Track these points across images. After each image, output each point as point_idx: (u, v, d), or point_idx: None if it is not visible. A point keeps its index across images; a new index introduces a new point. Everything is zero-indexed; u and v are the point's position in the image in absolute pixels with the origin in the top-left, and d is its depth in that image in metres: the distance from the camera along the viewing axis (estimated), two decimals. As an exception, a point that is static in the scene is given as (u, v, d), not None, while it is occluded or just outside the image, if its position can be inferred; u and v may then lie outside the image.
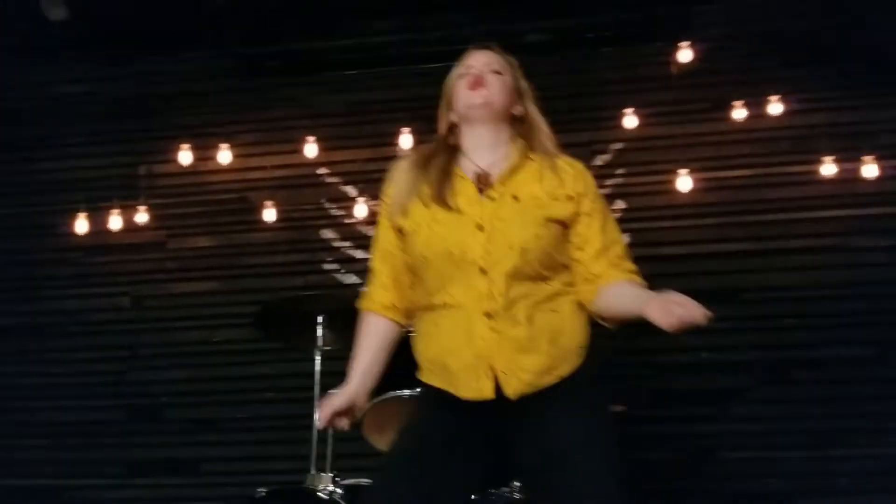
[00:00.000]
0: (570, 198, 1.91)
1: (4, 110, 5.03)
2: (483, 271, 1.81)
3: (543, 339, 1.82)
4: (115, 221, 4.63)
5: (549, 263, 1.87)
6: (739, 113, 4.38)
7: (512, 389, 1.79)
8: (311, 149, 4.62)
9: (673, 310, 1.63)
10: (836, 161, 4.29)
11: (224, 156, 4.65)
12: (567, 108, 4.58)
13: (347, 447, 3.29)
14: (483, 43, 2.06)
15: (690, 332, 1.66)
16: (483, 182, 1.90)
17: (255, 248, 4.74)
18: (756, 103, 4.39)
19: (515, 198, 1.88)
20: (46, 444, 4.66)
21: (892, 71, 4.45)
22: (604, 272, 1.91)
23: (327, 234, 4.69)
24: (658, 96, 4.56)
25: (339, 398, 1.87)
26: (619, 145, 4.58)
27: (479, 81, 1.93)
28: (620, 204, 4.53)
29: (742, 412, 4.28)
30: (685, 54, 4.46)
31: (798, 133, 4.45)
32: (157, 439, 4.61)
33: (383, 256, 1.99)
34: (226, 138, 4.68)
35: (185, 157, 4.66)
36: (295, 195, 4.73)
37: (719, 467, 4.25)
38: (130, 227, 4.68)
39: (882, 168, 4.27)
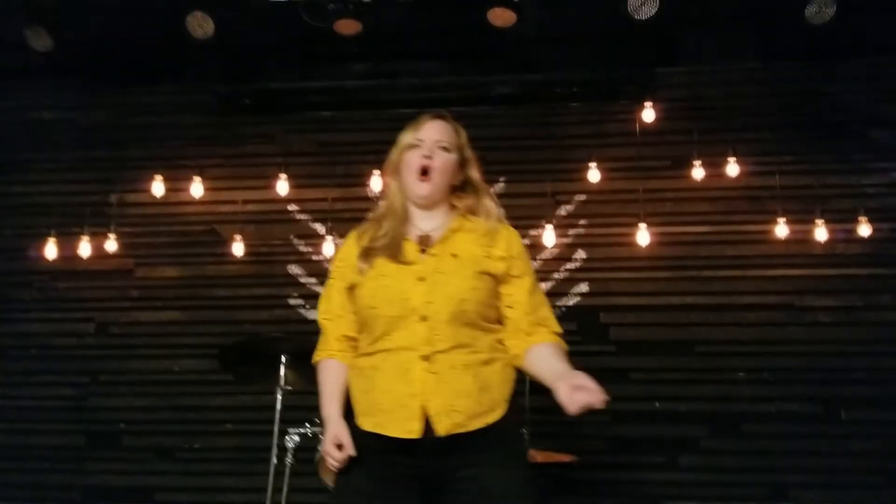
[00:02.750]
0: (502, 258, 2.04)
1: (-18, 133, 5.09)
2: (423, 318, 1.92)
3: (475, 385, 1.92)
4: (84, 248, 4.67)
5: (484, 315, 1.99)
6: (698, 172, 4.54)
7: (443, 427, 1.86)
8: (282, 186, 4.71)
9: (575, 398, 1.78)
10: (789, 222, 4.45)
11: (196, 188, 4.73)
12: (533, 160, 4.78)
13: (302, 482, 3.35)
14: (436, 111, 2.16)
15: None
16: (425, 243, 2.05)
17: (221, 281, 4.80)
18: (714, 163, 4.56)
19: (454, 255, 2.02)
20: (3, 468, 4.64)
21: (846, 138, 4.67)
22: (531, 331, 2.05)
23: (294, 269, 4.76)
24: (621, 152, 4.72)
25: (338, 441, 1.93)
26: (582, 197, 4.72)
27: (426, 171, 2.05)
28: (581, 254, 4.67)
29: (693, 462, 4.38)
30: (648, 113, 4.63)
31: (753, 193, 4.62)
32: (114, 466, 4.62)
33: (334, 316, 2.09)
34: (198, 171, 4.76)
35: (158, 187, 4.73)
36: (264, 230, 4.82)
37: (670, 516, 4.33)
38: (99, 254, 4.73)
39: (832, 231, 4.44)
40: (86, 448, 4.67)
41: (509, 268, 2.05)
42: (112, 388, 4.73)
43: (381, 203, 2.16)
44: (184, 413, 4.65)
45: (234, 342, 3.59)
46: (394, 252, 2.02)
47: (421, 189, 2.06)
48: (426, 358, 1.90)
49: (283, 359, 3.35)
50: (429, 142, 2.08)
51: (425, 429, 1.87)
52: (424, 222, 2.09)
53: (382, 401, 1.91)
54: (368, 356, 1.99)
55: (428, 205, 2.09)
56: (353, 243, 2.11)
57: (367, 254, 2.04)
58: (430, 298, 1.94)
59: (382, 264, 2.01)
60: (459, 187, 2.13)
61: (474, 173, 2.15)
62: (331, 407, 2.01)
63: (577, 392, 1.79)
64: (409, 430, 1.87)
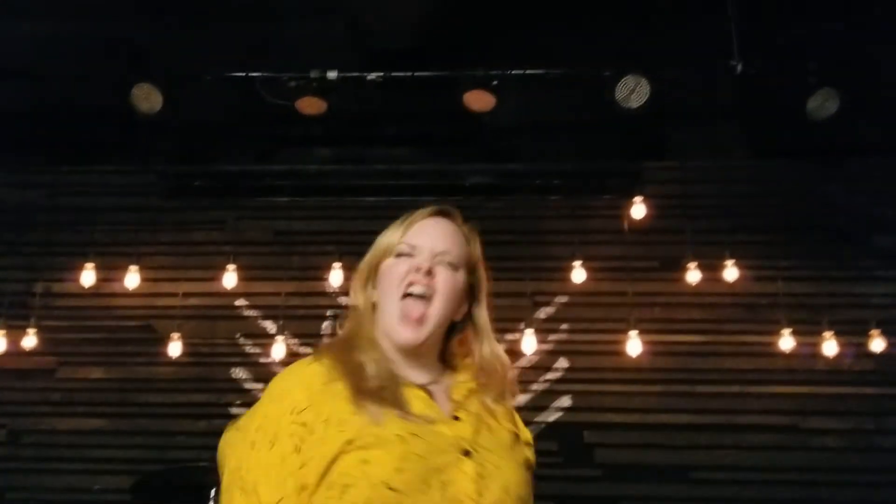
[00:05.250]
0: (529, 446, 1.44)
1: None
2: None
3: None
4: (-1, 343, 4.11)
5: None
6: (692, 275, 4.14)
7: None
8: (229, 278, 4.22)
9: None
10: (794, 334, 4.05)
11: (131, 279, 4.22)
12: (510, 256, 4.39)
13: None
14: (442, 207, 1.45)
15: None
16: (437, 399, 1.36)
17: (155, 385, 4.27)
18: (710, 266, 4.16)
19: (489, 427, 1.35)
20: None
21: (850, 243, 4.33)
22: None
23: (239, 373, 4.25)
24: (607, 250, 4.35)
25: None
26: (563, 299, 4.32)
27: (421, 319, 1.34)
28: (563, 363, 4.24)
29: None
30: (637, 209, 4.27)
31: (753, 301, 4.25)
32: None
33: None
34: (136, 259, 4.27)
35: (88, 276, 4.21)
36: (206, 327, 4.33)
37: None
38: (16, 350, 4.17)
39: (841, 345, 4.03)
40: (-17, 580, 4.00)
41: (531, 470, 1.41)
42: (20, 508, 4.11)
43: (346, 325, 1.43)
44: (99, 539, 4.02)
45: (152, 472, 3.02)
46: (398, 402, 1.27)
47: (404, 334, 1.34)
48: None
49: (213, 493, 2.78)
50: (426, 251, 1.38)
51: None
52: (409, 371, 1.36)
53: None
54: None
55: (413, 352, 1.37)
56: (315, 377, 1.29)
57: (361, 398, 1.25)
58: (482, 488, 1.24)
59: (393, 421, 1.23)
60: (459, 323, 1.43)
61: (481, 310, 1.44)
62: None
63: None
64: None
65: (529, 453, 1.42)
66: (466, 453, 1.25)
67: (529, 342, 4.07)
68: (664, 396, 4.17)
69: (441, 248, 1.38)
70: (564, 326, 4.29)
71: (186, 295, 4.35)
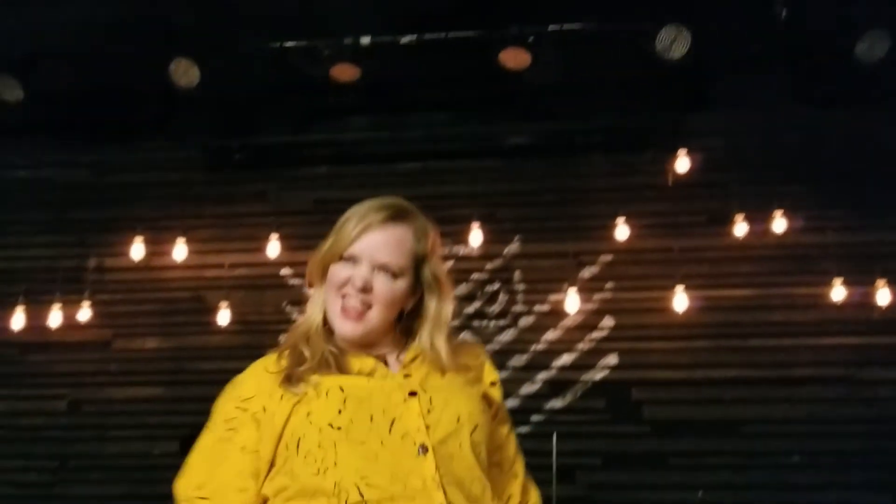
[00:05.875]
0: (494, 385, 1.57)
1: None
2: (423, 449, 1.34)
3: None
4: (55, 317, 4.24)
5: (488, 457, 1.46)
6: (740, 228, 4.07)
7: None
8: (273, 248, 4.28)
9: None
10: (846, 284, 3.95)
11: (179, 251, 4.31)
12: (552, 216, 4.37)
13: None
14: (390, 205, 1.50)
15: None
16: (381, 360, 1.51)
17: (207, 353, 4.35)
18: (758, 218, 4.09)
19: (440, 372, 1.49)
20: (-45, 566, 4.18)
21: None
22: (519, 500, 1.53)
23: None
24: (651, 207, 4.28)
25: None
26: (608, 257, 4.27)
27: (358, 314, 1.45)
28: (608, 321, 4.21)
29: (743, 563, 3.84)
30: (681, 163, 4.19)
31: (804, 252, 4.14)
32: (82, 564, 4.13)
33: (229, 491, 1.38)
34: (182, 233, 4.35)
35: (138, 250, 4.31)
36: (253, 297, 4.39)
37: None
38: (73, 324, 4.31)
39: (895, 294, 3.92)
40: (52, 543, 4.18)
41: (500, 406, 1.54)
42: (84, 474, 4.27)
43: (297, 322, 1.56)
44: (163, 503, 4.13)
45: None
46: (339, 366, 1.42)
47: (344, 328, 1.45)
48: None
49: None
50: (366, 263, 1.45)
51: None
52: (360, 352, 1.49)
53: None
54: None
55: (357, 343, 1.48)
56: (262, 370, 1.47)
57: (292, 378, 1.40)
58: (431, 421, 1.36)
59: (333, 378, 1.40)
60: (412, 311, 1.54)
61: (431, 300, 1.52)
62: None
63: None
64: None
65: (492, 390, 1.54)
66: (413, 394, 1.38)
67: (573, 302, 4.06)
68: (713, 352, 4.11)
69: (382, 259, 1.45)
70: (609, 285, 4.24)
71: (233, 266, 4.41)
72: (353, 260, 1.46)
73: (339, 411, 1.33)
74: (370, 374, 1.43)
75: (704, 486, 3.89)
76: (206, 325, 4.35)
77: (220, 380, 4.57)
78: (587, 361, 4.17)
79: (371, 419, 1.33)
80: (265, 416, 1.37)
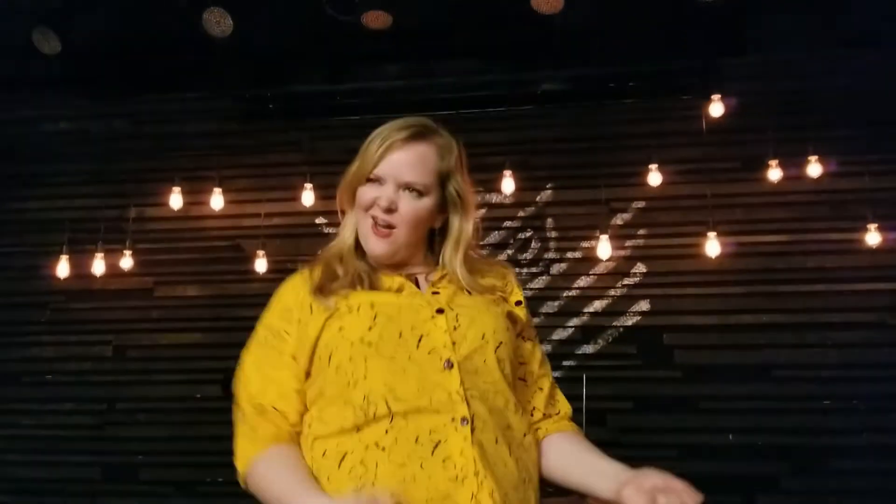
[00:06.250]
0: (520, 305, 1.60)
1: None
2: (449, 365, 1.39)
3: (518, 474, 1.38)
4: (98, 265, 4.35)
5: (513, 370, 1.51)
6: (774, 173, 4.04)
7: None
8: (308, 196, 4.33)
9: (661, 502, 1.27)
10: (881, 230, 3.92)
11: (217, 201, 4.39)
12: (584, 163, 4.36)
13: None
14: (412, 123, 1.54)
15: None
16: (410, 279, 1.56)
17: (246, 300, 4.42)
18: (792, 164, 4.05)
19: (466, 290, 1.54)
20: (11, 502, 4.37)
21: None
22: (548, 412, 1.57)
23: (322, 287, 4.39)
24: (685, 153, 4.26)
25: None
26: (640, 204, 4.28)
27: (387, 232, 1.50)
28: (640, 267, 4.23)
29: (772, 502, 3.91)
30: (715, 108, 4.15)
31: (839, 197, 4.12)
32: (130, 501, 4.30)
33: (276, 397, 1.45)
34: (219, 182, 4.42)
35: (177, 200, 4.40)
36: (289, 245, 4.46)
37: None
38: (116, 272, 4.41)
39: (931, 240, 3.89)
40: (101, 481, 4.36)
41: (525, 324, 1.57)
42: (130, 416, 4.43)
43: (329, 245, 1.61)
44: (206, 443, 4.29)
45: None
46: (371, 283, 1.48)
47: (375, 247, 1.51)
48: (466, 421, 1.34)
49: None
50: (391, 182, 1.49)
51: None
52: (390, 271, 1.55)
53: (401, 497, 1.29)
54: (343, 436, 1.36)
55: (387, 262, 1.54)
56: (300, 283, 1.52)
57: (324, 289, 1.47)
58: (457, 338, 1.41)
59: (364, 294, 1.46)
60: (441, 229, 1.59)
61: (457, 218, 1.57)
62: (311, 493, 1.33)
63: (660, 497, 1.27)
64: None
65: (517, 309, 1.57)
66: (440, 311, 1.44)
67: (606, 248, 4.08)
68: (745, 297, 4.12)
69: (406, 178, 1.49)
70: (641, 231, 4.26)
71: (269, 215, 4.48)
72: (378, 181, 1.50)
73: (370, 328, 1.39)
74: (398, 290, 1.48)
75: (735, 430, 4.01)
76: (243, 273, 4.44)
77: (259, 326, 4.58)
78: (619, 308, 4.21)
79: (400, 335, 1.39)
80: (300, 327, 1.45)
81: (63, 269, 4.37)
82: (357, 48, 4.41)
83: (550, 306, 4.23)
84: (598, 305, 4.22)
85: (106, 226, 4.50)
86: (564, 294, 4.25)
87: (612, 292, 4.23)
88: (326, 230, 4.43)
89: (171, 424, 4.37)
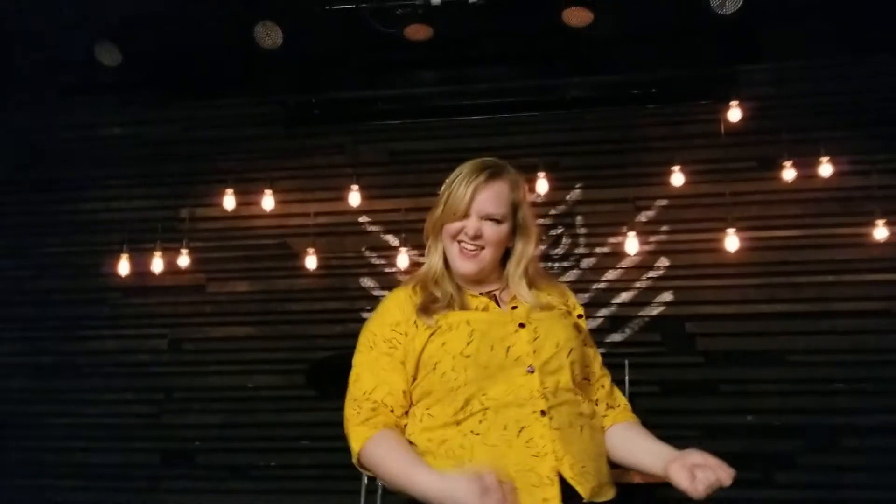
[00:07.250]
0: (581, 317, 1.93)
1: (52, 150, 5.11)
2: (531, 369, 1.70)
3: (594, 448, 1.73)
4: (156, 263, 4.62)
5: (583, 372, 1.84)
6: (788, 173, 4.31)
7: (585, 491, 1.62)
8: (353, 197, 4.61)
9: (699, 476, 1.59)
10: (888, 224, 4.20)
11: (266, 201, 4.66)
12: (611, 164, 4.61)
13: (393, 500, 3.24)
14: (489, 165, 1.84)
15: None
16: (493, 299, 1.87)
17: (294, 295, 4.72)
18: (805, 163, 4.32)
19: (540, 307, 1.84)
20: (77, 486, 4.63)
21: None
22: (611, 404, 1.91)
23: (367, 282, 4.67)
24: (705, 154, 4.52)
25: (490, 483, 1.52)
26: (663, 202, 4.54)
27: (475, 253, 1.81)
28: (664, 261, 4.49)
29: (789, 479, 4.16)
30: (732, 113, 4.42)
31: (848, 194, 4.38)
32: (188, 484, 4.57)
33: (385, 395, 1.75)
34: (269, 184, 4.69)
35: (229, 201, 4.67)
36: (336, 243, 4.72)
37: (765, 536, 4.11)
38: (171, 269, 4.68)
39: (934, 233, 4.17)
40: (160, 466, 4.63)
41: (586, 333, 1.91)
42: (186, 405, 4.69)
43: (425, 263, 1.90)
44: (259, 430, 4.57)
45: (323, 358, 3.50)
46: (462, 303, 1.80)
47: (464, 266, 1.82)
48: (545, 412, 1.66)
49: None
50: (475, 214, 1.80)
51: (563, 497, 1.61)
52: (474, 289, 1.87)
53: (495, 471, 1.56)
54: (446, 427, 1.68)
55: (474, 279, 1.85)
56: (405, 300, 1.81)
57: (428, 310, 1.77)
58: (537, 347, 1.72)
59: (460, 314, 1.77)
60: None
61: (521, 242, 1.86)
62: (424, 469, 1.62)
63: (698, 472, 1.59)
64: (545, 498, 1.59)
65: (580, 321, 1.91)
66: (522, 325, 1.74)
67: (632, 244, 4.35)
68: (761, 288, 4.36)
69: (489, 210, 1.79)
70: (665, 228, 4.51)
71: (316, 214, 4.72)
72: (464, 217, 1.80)
73: (468, 342, 1.70)
74: (485, 309, 1.80)
75: (753, 412, 4.24)
76: (292, 269, 4.70)
77: (307, 319, 4.96)
78: (644, 298, 4.46)
79: (492, 348, 1.70)
80: (407, 339, 1.76)
81: (123, 267, 4.63)
82: (396, 56, 4.65)
83: (581, 298, 4.35)
84: (625, 297, 4.49)
85: (162, 225, 4.76)
86: (594, 287, 4.52)
87: (638, 284, 4.48)
88: (370, 228, 4.70)
89: (224, 412, 4.62)
